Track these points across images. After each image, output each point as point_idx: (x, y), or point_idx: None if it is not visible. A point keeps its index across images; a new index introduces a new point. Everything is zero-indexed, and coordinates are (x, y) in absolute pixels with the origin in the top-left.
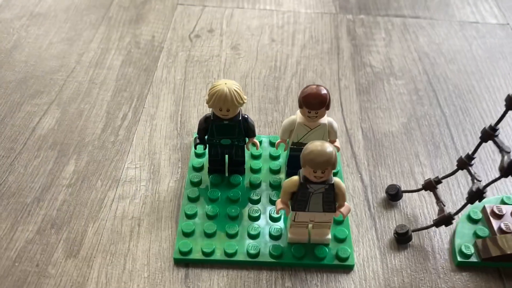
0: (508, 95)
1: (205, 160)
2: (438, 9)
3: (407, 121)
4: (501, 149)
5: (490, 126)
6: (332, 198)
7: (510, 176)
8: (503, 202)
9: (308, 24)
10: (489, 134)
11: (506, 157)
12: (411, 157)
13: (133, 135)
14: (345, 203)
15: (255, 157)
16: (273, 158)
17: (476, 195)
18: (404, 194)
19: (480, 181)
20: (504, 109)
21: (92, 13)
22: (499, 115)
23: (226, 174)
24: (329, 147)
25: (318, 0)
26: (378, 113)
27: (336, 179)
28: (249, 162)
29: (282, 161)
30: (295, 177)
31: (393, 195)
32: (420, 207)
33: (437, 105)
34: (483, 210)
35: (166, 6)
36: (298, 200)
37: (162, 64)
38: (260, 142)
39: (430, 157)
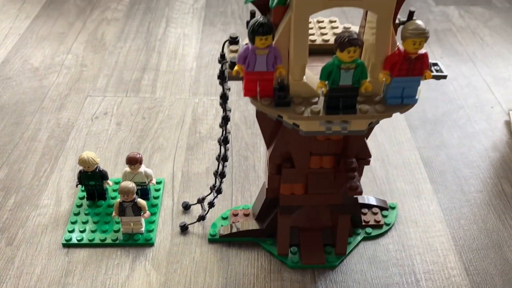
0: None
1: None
2: None
3: None
4: None
5: None
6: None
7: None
8: (246, 207)
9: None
10: None
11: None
12: None
13: (48, 181)
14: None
15: (115, 190)
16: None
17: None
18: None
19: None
20: None
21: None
22: None
23: (97, 199)
24: (130, 184)
25: None
26: None
27: (138, 200)
28: (111, 193)
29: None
30: (118, 200)
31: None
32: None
33: None
34: (230, 212)
35: (80, 98)
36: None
37: (71, 137)
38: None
39: None
